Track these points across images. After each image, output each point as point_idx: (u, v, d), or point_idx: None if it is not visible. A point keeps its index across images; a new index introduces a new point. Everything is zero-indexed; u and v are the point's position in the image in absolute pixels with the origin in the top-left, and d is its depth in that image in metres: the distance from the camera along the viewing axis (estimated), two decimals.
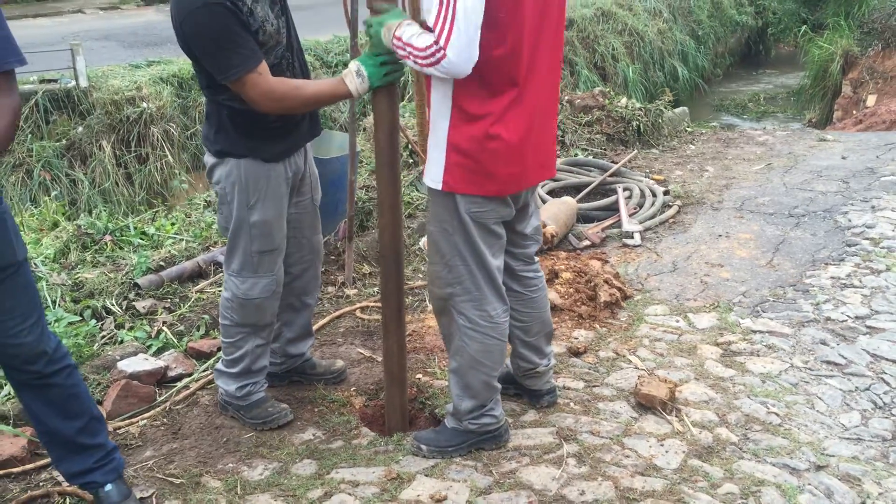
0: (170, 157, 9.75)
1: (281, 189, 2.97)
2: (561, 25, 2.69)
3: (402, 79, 3.23)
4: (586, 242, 5.12)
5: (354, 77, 2.69)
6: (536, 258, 3.10)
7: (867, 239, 4.93)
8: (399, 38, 2.52)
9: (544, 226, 5.00)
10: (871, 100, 13.92)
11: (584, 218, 5.53)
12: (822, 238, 5.01)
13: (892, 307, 4.07)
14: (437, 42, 2.39)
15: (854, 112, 13.79)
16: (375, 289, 4.39)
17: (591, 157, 6.57)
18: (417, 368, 3.61)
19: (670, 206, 5.63)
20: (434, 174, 2.68)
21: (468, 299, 2.80)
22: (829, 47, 15.14)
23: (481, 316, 2.82)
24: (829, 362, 3.61)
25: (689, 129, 7.71)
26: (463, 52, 2.38)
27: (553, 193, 5.86)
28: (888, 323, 3.91)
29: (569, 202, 5.39)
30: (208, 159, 2.97)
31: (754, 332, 3.89)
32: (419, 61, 2.45)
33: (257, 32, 2.72)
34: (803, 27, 18.09)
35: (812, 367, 3.58)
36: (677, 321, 4.03)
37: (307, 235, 3.23)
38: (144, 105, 9.59)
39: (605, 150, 6.98)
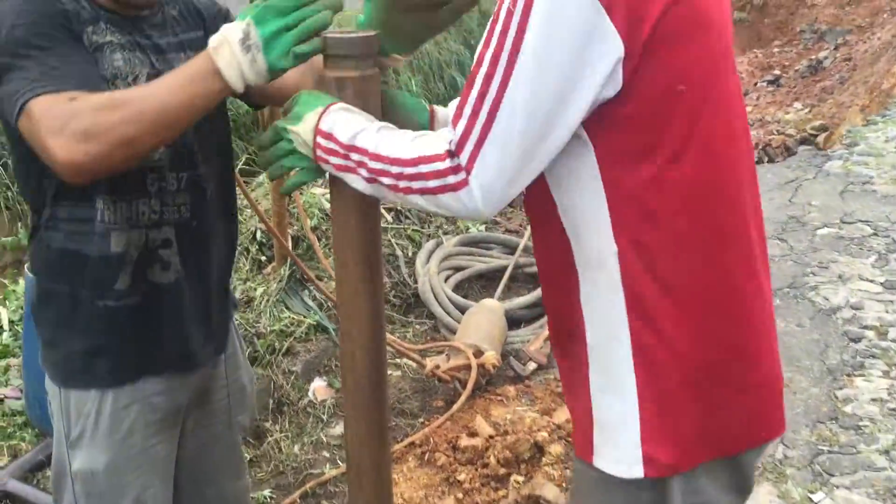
0: None
1: (131, 419, 1.58)
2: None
3: None
4: (532, 365, 3.81)
5: (235, 47, 1.27)
6: None
7: (866, 328, 4.00)
8: (329, 136, 1.22)
9: (481, 352, 3.64)
10: None
11: (508, 322, 4.19)
12: (815, 332, 4.02)
13: None
14: (454, 154, 1.14)
15: None
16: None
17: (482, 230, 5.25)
18: None
19: None
20: (619, 453, 1.23)
21: None
22: None
23: None
24: None
25: None
26: (495, 183, 1.12)
27: (458, 288, 4.50)
28: None
29: (494, 308, 4.03)
30: None
31: None
32: (395, 181, 1.18)
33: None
34: None
35: None
36: None
37: (218, 482, 1.81)
38: None
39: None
